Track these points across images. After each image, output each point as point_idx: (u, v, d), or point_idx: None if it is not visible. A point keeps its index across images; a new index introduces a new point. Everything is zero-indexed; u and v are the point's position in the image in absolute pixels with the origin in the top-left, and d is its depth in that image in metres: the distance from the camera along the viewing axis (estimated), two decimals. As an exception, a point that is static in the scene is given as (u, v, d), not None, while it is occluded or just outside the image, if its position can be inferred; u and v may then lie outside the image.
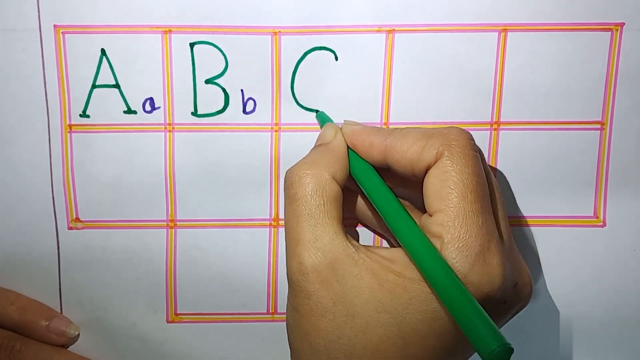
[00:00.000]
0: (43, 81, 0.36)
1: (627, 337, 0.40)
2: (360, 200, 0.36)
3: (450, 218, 0.29)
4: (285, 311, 0.39)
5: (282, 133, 0.37)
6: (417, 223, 0.31)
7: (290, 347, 0.32)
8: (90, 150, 0.37)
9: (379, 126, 0.34)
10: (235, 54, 0.36)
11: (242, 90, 0.37)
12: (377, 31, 0.36)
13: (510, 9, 0.36)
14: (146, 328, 0.39)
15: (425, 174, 0.31)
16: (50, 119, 0.37)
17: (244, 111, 0.37)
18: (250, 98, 0.37)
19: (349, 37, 0.36)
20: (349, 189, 0.34)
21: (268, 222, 0.38)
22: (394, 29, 0.36)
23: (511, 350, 0.26)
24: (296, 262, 0.30)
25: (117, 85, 0.36)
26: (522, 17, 0.36)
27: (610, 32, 0.36)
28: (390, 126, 0.37)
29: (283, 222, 0.38)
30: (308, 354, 0.31)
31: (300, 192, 0.31)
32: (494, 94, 0.37)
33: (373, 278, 0.30)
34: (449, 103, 0.37)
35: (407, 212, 0.31)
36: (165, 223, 0.38)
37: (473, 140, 0.31)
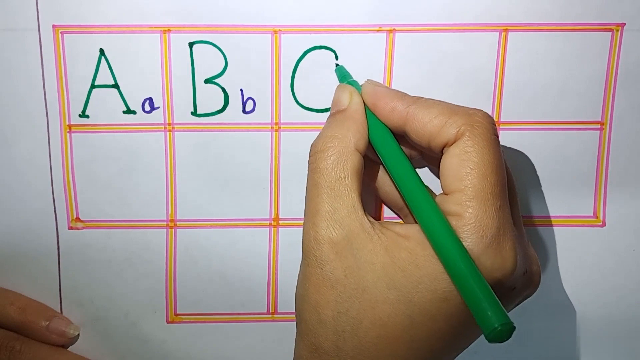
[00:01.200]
0: (42, 81, 0.36)
1: (626, 336, 0.40)
2: (380, 173, 0.36)
3: (468, 198, 0.29)
4: (285, 311, 0.39)
5: (282, 132, 0.37)
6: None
7: (297, 318, 0.32)
8: (90, 150, 0.37)
9: (402, 91, 0.33)
10: (234, 53, 0.36)
11: (241, 89, 0.36)
12: (378, 31, 0.36)
13: (511, 9, 0.36)
14: (146, 328, 0.39)
15: (441, 150, 0.31)
16: (49, 119, 0.37)
17: (244, 111, 0.37)
18: (249, 97, 0.37)
19: (350, 37, 0.36)
20: (368, 159, 0.34)
21: (268, 222, 0.38)
22: (394, 29, 0.36)
23: (513, 329, 0.26)
24: (312, 232, 0.31)
25: (116, 85, 0.36)
26: (523, 17, 0.36)
27: (610, 33, 0.36)
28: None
29: (283, 222, 0.38)
30: (315, 324, 0.31)
31: (322, 164, 0.32)
32: (494, 94, 0.37)
33: (386, 254, 0.30)
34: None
35: (423, 185, 0.31)
36: (165, 223, 0.38)
37: (494, 124, 0.31)
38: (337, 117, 0.33)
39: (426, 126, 0.31)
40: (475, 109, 0.31)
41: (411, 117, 0.32)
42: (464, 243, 0.29)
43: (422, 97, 0.33)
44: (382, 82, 0.36)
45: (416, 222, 0.31)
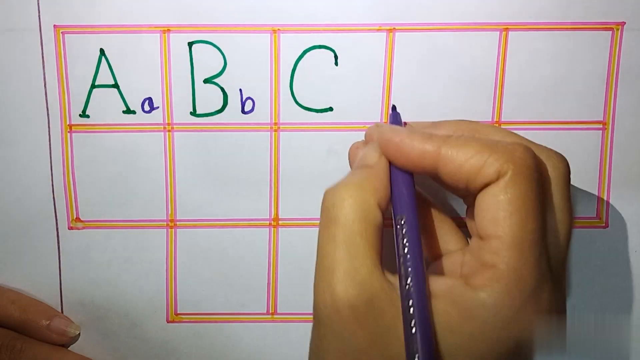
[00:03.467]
0: (43, 81, 0.36)
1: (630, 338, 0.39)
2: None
3: (506, 246, 0.26)
4: (285, 311, 0.39)
5: (281, 132, 0.37)
6: (465, 242, 0.29)
7: None
8: (90, 150, 0.37)
9: (423, 131, 0.30)
10: (233, 53, 0.36)
11: (240, 89, 0.36)
12: (378, 30, 0.36)
13: (511, 8, 0.35)
14: (146, 328, 0.39)
15: (479, 190, 0.28)
16: (50, 119, 0.37)
17: (243, 111, 0.37)
18: (249, 97, 0.37)
19: (349, 36, 0.36)
20: None
21: (268, 222, 0.38)
22: (394, 28, 0.36)
23: None
24: (329, 296, 0.27)
25: (116, 85, 0.36)
26: (523, 17, 0.35)
27: (611, 32, 0.36)
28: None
29: (283, 222, 0.38)
30: None
31: (342, 215, 0.28)
32: (494, 94, 0.36)
33: None
34: (449, 102, 0.36)
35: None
36: (165, 223, 0.38)
37: (537, 160, 0.28)
38: (363, 170, 0.30)
39: (463, 167, 0.28)
40: (515, 143, 0.28)
41: (444, 158, 0.28)
42: (500, 297, 0.26)
43: (451, 135, 0.29)
44: (384, 82, 0.36)
45: (444, 276, 0.28)
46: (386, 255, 0.29)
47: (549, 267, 0.28)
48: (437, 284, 0.28)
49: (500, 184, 0.27)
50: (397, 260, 0.28)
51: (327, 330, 0.27)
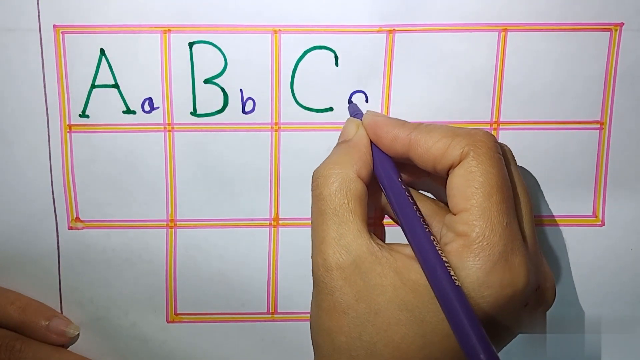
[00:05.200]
0: (43, 81, 0.36)
1: (625, 336, 0.40)
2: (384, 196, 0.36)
3: (475, 217, 0.30)
4: (285, 311, 0.39)
5: (281, 132, 0.37)
6: (442, 219, 0.32)
7: (312, 345, 0.32)
8: (90, 150, 0.37)
9: (401, 119, 0.34)
10: (234, 53, 0.36)
11: (241, 89, 0.37)
12: (378, 31, 0.36)
13: (510, 9, 0.36)
14: (146, 328, 0.39)
15: (447, 172, 0.31)
16: (50, 119, 0.37)
17: (243, 111, 0.37)
18: (249, 98, 0.37)
19: (350, 37, 0.36)
20: (375, 182, 0.34)
21: (268, 222, 0.38)
22: (394, 29, 0.36)
23: None
24: (321, 259, 0.31)
25: (116, 85, 0.36)
26: (522, 17, 0.36)
27: (609, 32, 0.36)
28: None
29: (283, 222, 0.38)
30: (330, 351, 0.31)
31: (325, 191, 0.32)
32: (493, 94, 0.37)
33: (396, 276, 0.30)
34: (448, 103, 0.37)
35: (420, 219, 0.31)
36: (165, 223, 0.38)
37: (497, 142, 0.31)
38: (341, 146, 0.34)
39: (430, 150, 0.31)
40: (476, 128, 0.31)
41: (414, 143, 0.32)
42: (472, 262, 0.29)
43: (422, 123, 0.33)
44: (384, 82, 0.36)
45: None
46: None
47: (521, 236, 0.30)
48: None
49: (464, 164, 0.30)
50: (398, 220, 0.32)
51: (320, 288, 0.31)
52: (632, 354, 0.40)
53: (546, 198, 0.38)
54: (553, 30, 0.36)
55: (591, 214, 0.38)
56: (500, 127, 0.37)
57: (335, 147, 0.35)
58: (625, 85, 0.37)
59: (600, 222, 0.38)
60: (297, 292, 0.39)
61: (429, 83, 0.36)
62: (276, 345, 0.39)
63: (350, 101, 0.37)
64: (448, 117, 0.37)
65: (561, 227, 0.38)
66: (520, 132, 0.37)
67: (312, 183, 0.33)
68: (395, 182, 0.33)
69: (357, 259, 0.30)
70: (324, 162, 0.33)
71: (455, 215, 0.30)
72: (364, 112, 0.35)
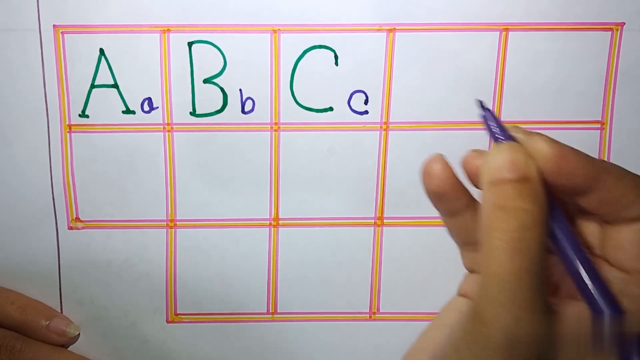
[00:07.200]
0: (42, 81, 0.36)
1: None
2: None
3: None
4: (285, 311, 0.39)
5: (281, 132, 0.37)
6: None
7: None
8: (90, 150, 0.37)
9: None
10: (233, 53, 0.36)
11: (240, 89, 0.36)
12: (378, 30, 0.36)
13: (511, 8, 0.35)
14: (146, 328, 0.39)
15: (625, 222, 0.28)
16: (50, 119, 0.37)
17: (243, 111, 0.37)
18: (249, 97, 0.37)
19: (349, 36, 0.36)
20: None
21: (268, 222, 0.38)
22: (394, 28, 0.36)
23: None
24: None
25: (115, 85, 0.36)
26: (523, 17, 0.36)
27: (610, 32, 0.36)
28: (390, 124, 0.37)
29: (283, 222, 0.38)
30: None
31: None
32: (494, 93, 0.37)
33: None
34: (449, 102, 0.37)
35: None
36: (165, 223, 0.38)
37: None
38: (526, 186, 0.26)
39: (618, 199, 0.27)
40: None
41: (603, 184, 0.27)
42: None
43: (606, 161, 0.29)
44: (384, 82, 0.36)
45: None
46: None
47: None
48: None
49: None
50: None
51: None
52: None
53: (547, 198, 0.38)
54: (554, 30, 0.36)
55: (593, 214, 0.38)
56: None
57: (506, 185, 0.25)
58: (626, 85, 0.37)
59: (602, 223, 0.38)
60: (297, 292, 0.39)
61: (429, 82, 0.36)
62: (276, 345, 0.39)
63: (484, 106, 0.27)
64: (448, 117, 0.37)
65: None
66: (520, 132, 0.37)
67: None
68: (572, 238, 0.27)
69: None
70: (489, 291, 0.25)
71: (626, 273, 0.27)
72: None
